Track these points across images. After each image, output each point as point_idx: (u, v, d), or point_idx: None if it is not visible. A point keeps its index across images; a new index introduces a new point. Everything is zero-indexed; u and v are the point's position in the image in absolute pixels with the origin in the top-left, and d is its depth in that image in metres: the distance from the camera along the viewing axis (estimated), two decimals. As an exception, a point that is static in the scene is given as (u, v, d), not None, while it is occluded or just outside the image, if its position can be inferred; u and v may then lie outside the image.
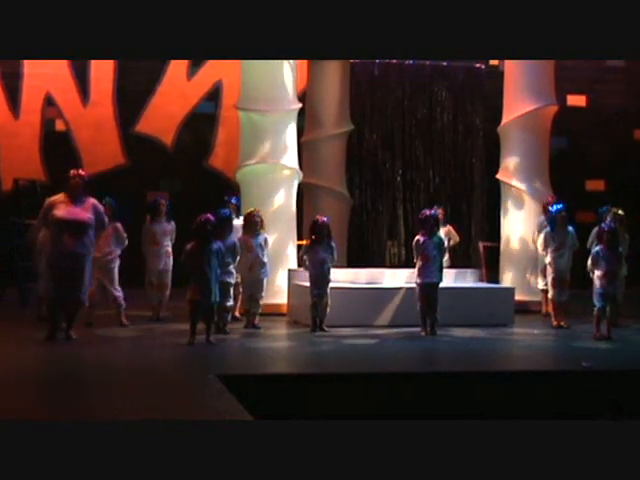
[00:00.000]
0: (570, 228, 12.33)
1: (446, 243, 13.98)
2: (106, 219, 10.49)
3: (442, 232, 13.97)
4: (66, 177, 10.42)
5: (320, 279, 11.36)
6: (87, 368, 8.99)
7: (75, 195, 10.19)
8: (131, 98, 17.52)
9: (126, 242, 11.57)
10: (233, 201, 12.58)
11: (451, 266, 13.88)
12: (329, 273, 11.45)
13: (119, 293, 11.53)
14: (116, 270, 11.51)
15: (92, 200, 10.34)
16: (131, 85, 17.44)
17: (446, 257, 13.97)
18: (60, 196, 10.29)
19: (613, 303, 11.22)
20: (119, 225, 11.57)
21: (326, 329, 11.37)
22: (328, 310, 11.50)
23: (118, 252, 11.53)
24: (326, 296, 11.39)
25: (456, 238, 14.36)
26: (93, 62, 17.42)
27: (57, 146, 17.18)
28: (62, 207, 10.12)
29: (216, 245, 10.16)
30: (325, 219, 11.64)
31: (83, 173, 10.40)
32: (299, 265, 12.48)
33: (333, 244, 11.57)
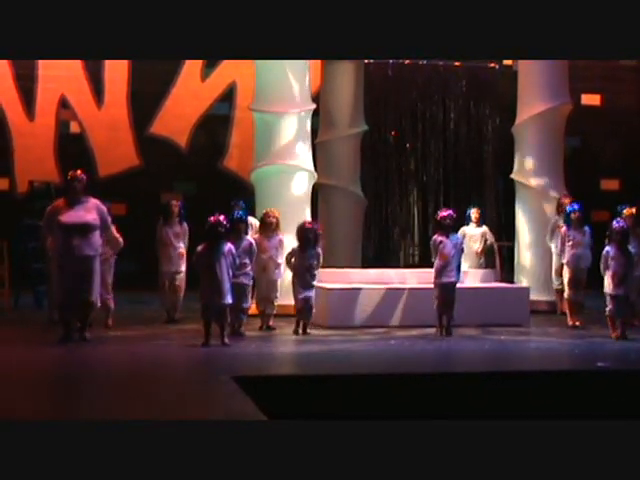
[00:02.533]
0: (586, 228, 12.28)
1: (481, 245, 14.05)
2: (109, 218, 10.50)
3: (478, 233, 14.04)
4: (65, 181, 10.46)
5: (304, 284, 11.30)
6: (101, 369, 9.00)
7: (77, 198, 10.21)
8: (145, 100, 17.54)
9: (121, 244, 11.51)
10: (240, 204, 12.52)
11: (486, 267, 13.89)
12: (314, 278, 11.39)
13: (109, 295, 11.53)
14: (110, 272, 11.49)
15: (94, 201, 10.36)
16: (145, 87, 17.47)
17: (481, 259, 14.03)
18: (61, 201, 10.33)
19: (625, 304, 11.13)
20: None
21: (309, 332, 11.33)
22: (313, 312, 11.44)
23: (112, 254, 11.50)
24: (310, 300, 11.31)
25: (492, 239, 14.33)
26: (107, 64, 17.46)
27: (72, 148, 17.22)
28: (65, 211, 10.14)
29: (227, 246, 10.16)
30: (312, 224, 11.58)
31: (82, 175, 10.40)
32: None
33: (319, 250, 11.50)
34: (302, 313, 11.35)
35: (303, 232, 11.39)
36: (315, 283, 11.46)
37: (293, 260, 11.40)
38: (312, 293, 11.36)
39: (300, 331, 11.30)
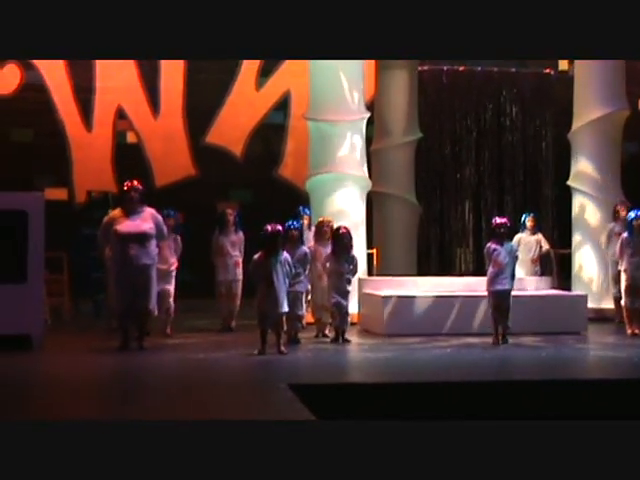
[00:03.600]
0: (646, 235, 12.13)
1: (537, 251, 13.94)
2: (165, 228, 10.60)
3: (534, 240, 13.93)
4: (122, 191, 10.60)
5: (338, 290, 11.27)
6: (157, 377, 9.09)
7: (133, 208, 10.33)
8: (201, 109, 17.68)
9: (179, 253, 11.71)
10: (306, 212, 12.61)
11: (542, 274, 13.79)
12: (349, 284, 11.34)
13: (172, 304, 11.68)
14: (173, 281, 11.65)
15: (150, 210, 10.47)
16: (200, 96, 17.61)
17: (536, 266, 13.91)
18: (118, 211, 10.45)
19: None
20: (178, 237, 11.79)
21: (349, 339, 11.30)
22: (349, 320, 11.43)
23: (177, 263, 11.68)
24: (343, 306, 11.27)
25: (547, 247, 14.20)
26: (163, 74, 17.64)
27: (128, 158, 17.40)
28: (122, 221, 10.27)
29: (283, 255, 10.19)
30: (346, 228, 11.52)
31: (138, 185, 10.52)
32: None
33: (354, 255, 11.47)
34: (335, 319, 11.32)
35: (337, 237, 11.36)
36: (350, 288, 11.42)
37: (328, 265, 11.39)
38: (346, 299, 11.31)
39: (340, 339, 11.23)
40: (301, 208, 12.76)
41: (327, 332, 11.71)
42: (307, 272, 11.11)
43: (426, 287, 12.77)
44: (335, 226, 11.71)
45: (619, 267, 12.28)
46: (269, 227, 10.18)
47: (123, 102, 17.61)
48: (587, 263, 14.12)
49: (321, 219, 12.02)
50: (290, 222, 11.18)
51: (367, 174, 13.78)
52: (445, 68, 16.29)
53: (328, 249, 11.59)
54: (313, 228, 12.16)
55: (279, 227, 10.26)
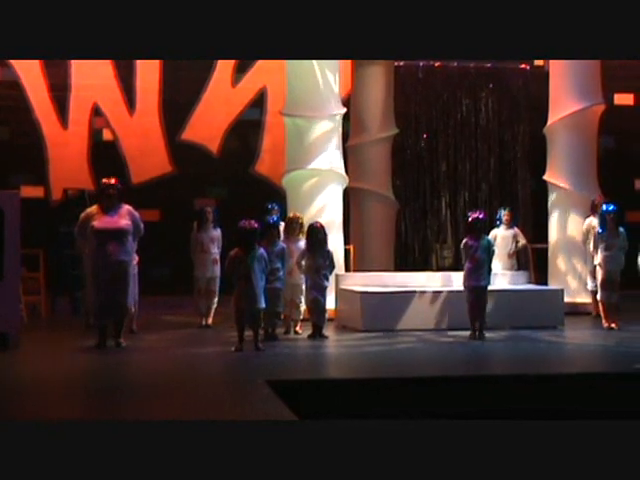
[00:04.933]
0: (621, 229, 12.20)
1: (513, 246, 13.96)
2: (142, 225, 10.57)
3: (510, 234, 13.96)
4: (99, 187, 10.58)
5: (314, 285, 11.28)
6: (135, 375, 9.07)
7: (110, 205, 10.31)
8: (177, 106, 17.63)
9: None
10: (275, 207, 12.57)
11: (519, 269, 13.83)
12: (326, 280, 11.34)
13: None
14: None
15: (127, 207, 10.45)
16: (176, 93, 17.56)
17: (513, 261, 13.94)
18: (95, 208, 10.43)
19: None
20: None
21: (326, 335, 11.30)
22: (327, 316, 11.44)
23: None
24: (320, 302, 11.27)
25: (523, 241, 14.21)
26: (139, 71, 17.57)
27: (105, 155, 17.33)
28: (99, 218, 10.25)
29: (260, 251, 10.19)
30: (319, 223, 11.52)
31: (115, 182, 10.50)
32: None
33: (330, 250, 11.48)
34: (312, 315, 11.32)
35: (312, 232, 11.36)
36: (327, 284, 11.42)
37: (304, 261, 11.39)
38: (323, 295, 11.31)
39: (318, 335, 11.21)
40: (270, 204, 12.71)
41: (298, 329, 11.69)
42: (285, 268, 11.10)
43: (403, 283, 12.80)
44: (309, 222, 11.71)
45: (595, 261, 12.35)
46: (245, 223, 10.17)
47: (99, 99, 17.53)
48: (563, 257, 14.18)
49: (291, 215, 12.00)
50: (269, 218, 11.17)
51: (344, 170, 13.79)
52: (421, 64, 16.30)
53: (299, 244, 11.56)
54: (282, 224, 12.12)
55: (255, 223, 10.25)
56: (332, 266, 11.46)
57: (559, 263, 14.24)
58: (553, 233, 14.39)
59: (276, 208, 12.53)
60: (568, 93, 14.15)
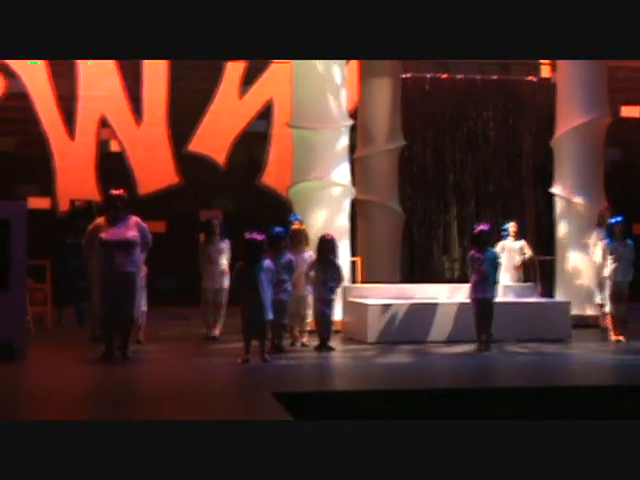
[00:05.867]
0: (629, 241, 12.18)
1: (520, 258, 13.93)
2: (150, 236, 10.56)
3: (517, 247, 13.93)
4: (107, 199, 10.59)
5: (320, 297, 11.25)
6: (142, 385, 9.07)
7: (117, 216, 10.31)
8: (184, 118, 17.68)
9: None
10: (297, 219, 12.47)
11: (525, 281, 13.79)
12: (332, 292, 11.33)
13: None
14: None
15: (135, 218, 10.45)
16: (183, 105, 17.60)
17: (520, 273, 13.90)
18: (102, 219, 10.43)
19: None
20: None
21: (332, 347, 11.28)
22: (332, 328, 11.44)
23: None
24: (327, 314, 11.23)
25: (530, 253, 14.17)
26: (146, 82, 17.63)
27: (112, 167, 17.39)
28: (107, 229, 10.25)
29: (266, 263, 10.18)
30: (330, 236, 11.52)
31: (123, 194, 10.51)
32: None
33: (338, 263, 11.47)
34: (319, 327, 11.31)
35: (322, 244, 11.35)
36: (334, 297, 11.41)
37: (312, 273, 11.39)
38: (330, 307, 11.30)
39: (324, 347, 11.16)
40: (292, 216, 12.67)
41: (304, 340, 11.67)
42: (292, 280, 11.09)
43: (410, 294, 12.77)
44: (316, 234, 11.70)
45: (603, 274, 12.32)
46: (251, 235, 10.16)
47: (106, 111, 17.59)
48: (570, 270, 14.14)
49: (296, 227, 11.97)
50: (276, 229, 11.16)
51: (351, 182, 13.79)
52: (428, 76, 16.33)
53: (304, 256, 11.54)
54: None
55: (261, 235, 10.24)
56: (340, 279, 11.44)
57: (566, 275, 14.20)
58: (560, 245, 14.36)
59: (298, 219, 12.40)
60: (575, 105, 14.15)
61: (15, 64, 17.05)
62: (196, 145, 17.88)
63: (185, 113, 17.68)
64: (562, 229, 14.33)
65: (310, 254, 11.62)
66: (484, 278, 11.19)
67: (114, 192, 10.54)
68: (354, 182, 13.98)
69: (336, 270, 11.33)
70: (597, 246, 12.79)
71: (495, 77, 16.47)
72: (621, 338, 12.02)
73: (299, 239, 11.69)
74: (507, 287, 13.09)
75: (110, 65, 17.33)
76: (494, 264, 11.33)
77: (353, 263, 14.14)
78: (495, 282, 11.36)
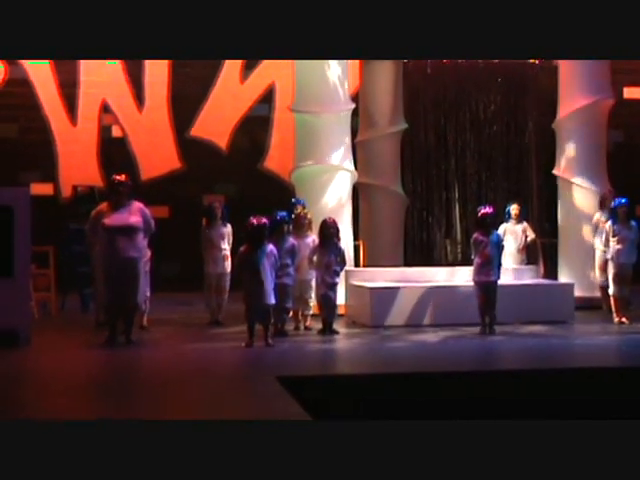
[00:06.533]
0: (633, 222, 12.18)
1: (523, 241, 13.90)
2: (152, 222, 10.56)
3: (519, 229, 13.90)
4: (109, 184, 10.59)
5: (324, 281, 11.24)
6: (146, 371, 9.09)
7: (120, 202, 10.31)
8: (186, 102, 17.66)
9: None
10: (300, 202, 12.47)
11: (528, 263, 13.78)
12: (336, 276, 11.32)
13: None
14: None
15: (138, 204, 10.45)
16: (185, 89, 17.58)
17: (523, 256, 13.87)
18: (105, 205, 10.44)
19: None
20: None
21: (337, 331, 11.30)
22: (337, 312, 11.45)
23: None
24: (330, 298, 11.23)
25: (532, 235, 14.13)
26: (147, 68, 17.60)
27: (114, 152, 17.38)
28: (109, 214, 10.25)
29: (269, 247, 10.19)
30: (332, 220, 11.48)
31: (126, 179, 10.51)
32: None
33: (341, 246, 11.47)
34: (323, 311, 11.33)
35: (324, 228, 11.34)
36: (337, 280, 11.41)
37: (315, 257, 11.39)
38: (334, 291, 11.30)
39: (328, 331, 11.18)
40: (295, 200, 12.67)
41: (308, 324, 11.69)
42: (295, 264, 11.10)
43: (413, 278, 12.78)
44: (318, 218, 11.70)
45: (606, 256, 12.32)
46: (254, 219, 10.17)
47: (108, 96, 17.57)
48: (573, 252, 14.14)
49: (298, 211, 11.96)
50: (278, 214, 11.16)
51: (353, 165, 13.78)
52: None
53: (307, 241, 11.55)
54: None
55: (264, 219, 10.25)
56: (343, 263, 11.45)
57: (569, 257, 14.20)
58: (562, 227, 14.36)
59: (301, 203, 12.39)
60: (577, 87, 14.12)
61: (16, 50, 17.01)
62: (198, 130, 17.86)
63: (187, 98, 17.66)
64: (564, 211, 14.32)
65: (313, 238, 11.61)
66: (488, 261, 11.20)
67: (117, 177, 10.54)
68: (356, 166, 13.97)
69: (339, 253, 11.34)
70: (600, 228, 12.79)
71: (497, 60, 16.40)
72: (624, 320, 12.03)
73: (302, 223, 11.69)
74: (510, 269, 13.09)
75: (111, 50, 17.28)
76: (498, 247, 11.35)
77: (356, 247, 14.15)
78: (499, 265, 11.37)
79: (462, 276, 12.58)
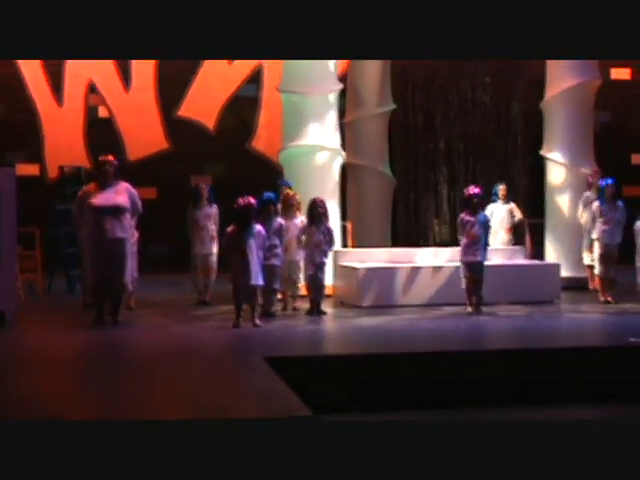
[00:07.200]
0: (620, 202, 12.21)
1: (509, 221, 13.92)
2: (139, 203, 10.52)
3: (506, 209, 13.91)
4: (96, 165, 10.55)
5: (313, 260, 11.24)
6: (133, 351, 9.11)
7: (107, 182, 10.28)
8: (173, 83, 17.58)
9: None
10: (288, 183, 12.47)
11: (515, 243, 13.81)
12: (324, 255, 11.31)
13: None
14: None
15: (125, 184, 10.42)
16: (172, 70, 17.50)
17: (510, 236, 13.90)
18: (93, 185, 10.41)
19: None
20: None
21: (324, 311, 11.31)
22: (324, 292, 11.47)
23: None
24: (318, 278, 11.24)
25: (519, 216, 14.14)
26: (134, 48, 17.51)
27: (101, 132, 17.31)
28: (96, 194, 10.22)
29: (257, 228, 10.18)
30: (321, 199, 11.46)
31: (113, 159, 10.48)
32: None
33: (329, 226, 11.46)
34: (311, 292, 11.33)
35: (312, 209, 11.32)
36: (326, 260, 11.41)
37: (304, 237, 11.39)
38: (322, 271, 11.30)
39: (316, 311, 11.21)
40: (280, 181, 12.67)
41: (295, 305, 11.69)
42: (283, 245, 11.09)
43: (400, 258, 12.79)
44: (306, 198, 11.68)
45: (592, 235, 12.36)
46: (241, 200, 10.15)
47: (94, 76, 17.47)
48: (560, 232, 14.18)
49: (287, 192, 11.94)
50: (266, 194, 11.14)
51: (341, 146, 13.77)
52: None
53: (295, 222, 11.53)
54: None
55: (251, 200, 10.23)
56: (331, 242, 11.45)
57: (555, 238, 14.24)
58: (549, 208, 14.39)
59: (287, 184, 12.38)
60: (565, 68, 14.11)
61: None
62: (185, 110, 17.80)
63: (174, 78, 17.58)
64: (552, 191, 14.34)
65: (302, 219, 11.60)
66: (475, 241, 11.23)
67: (103, 158, 10.51)
68: (344, 146, 13.95)
69: (328, 233, 11.33)
70: (586, 208, 12.82)
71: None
72: (610, 299, 12.08)
73: (290, 204, 11.67)
74: (497, 250, 13.12)
75: (97, 30, 17.18)
76: (485, 227, 11.38)
77: (344, 227, 14.15)
78: (486, 245, 11.40)
79: (450, 256, 12.59)
